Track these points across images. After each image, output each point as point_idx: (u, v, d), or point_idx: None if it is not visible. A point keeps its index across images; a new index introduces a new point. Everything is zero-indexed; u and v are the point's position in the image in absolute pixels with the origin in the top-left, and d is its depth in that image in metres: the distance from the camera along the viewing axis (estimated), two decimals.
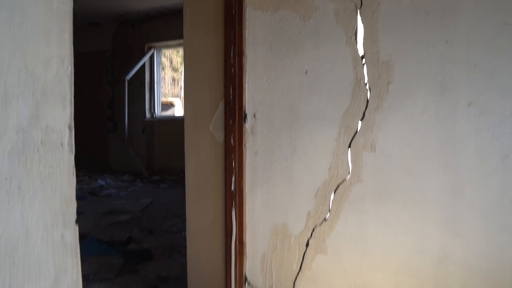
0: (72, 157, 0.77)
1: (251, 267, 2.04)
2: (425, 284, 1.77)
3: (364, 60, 1.76)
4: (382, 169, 1.76)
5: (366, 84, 1.76)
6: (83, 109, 6.99)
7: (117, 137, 7.42)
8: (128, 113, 7.21)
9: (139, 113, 7.29)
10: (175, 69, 16.39)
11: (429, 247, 1.74)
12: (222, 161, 1.96)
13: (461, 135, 1.66)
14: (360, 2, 1.75)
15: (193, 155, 2.06)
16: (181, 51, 10.68)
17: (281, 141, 1.90)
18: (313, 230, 1.89)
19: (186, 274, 2.19)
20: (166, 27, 6.86)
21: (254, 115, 1.93)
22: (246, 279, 2.04)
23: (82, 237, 3.30)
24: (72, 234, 0.79)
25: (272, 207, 1.95)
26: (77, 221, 0.79)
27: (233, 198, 1.93)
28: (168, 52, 14.84)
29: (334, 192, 1.84)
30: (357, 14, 1.76)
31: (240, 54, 1.90)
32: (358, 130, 1.78)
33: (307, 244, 1.91)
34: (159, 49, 7.55)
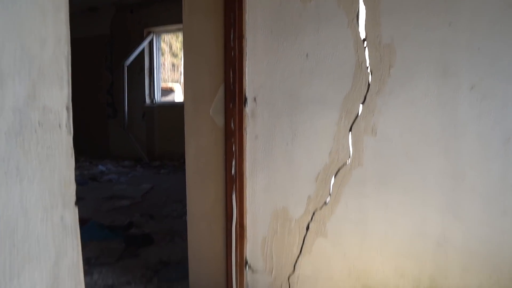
0: (71, 138, 0.77)
1: (251, 250, 2.05)
2: (425, 268, 1.78)
3: (365, 43, 1.74)
4: (382, 153, 1.76)
5: (367, 67, 1.74)
6: (83, 95, 6.96)
7: (117, 123, 7.40)
8: (128, 99, 7.18)
9: (139, 99, 7.25)
10: (174, 55, 16.26)
11: (429, 231, 1.75)
12: (222, 145, 1.95)
13: (462, 120, 1.65)
14: None
15: (193, 140, 2.05)
16: (180, 36, 10.57)
17: (281, 125, 1.89)
18: (314, 213, 1.89)
19: (187, 258, 2.20)
20: (165, 11, 6.78)
21: (255, 99, 1.91)
22: (246, 262, 2.06)
23: (83, 222, 3.32)
24: (71, 216, 0.78)
25: (272, 191, 1.95)
26: (77, 203, 0.79)
27: (233, 182, 1.92)
28: (167, 38, 14.71)
29: (335, 176, 1.83)
30: None
31: (240, 37, 1.87)
32: (359, 114, 1.77)
33: (308, 228, 1.92)
34: (159, 34, 7.48)
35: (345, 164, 1.81)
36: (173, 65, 16.20)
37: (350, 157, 1.80)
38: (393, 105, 1.72)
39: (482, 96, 1.62)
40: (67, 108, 0.75)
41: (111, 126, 7.54)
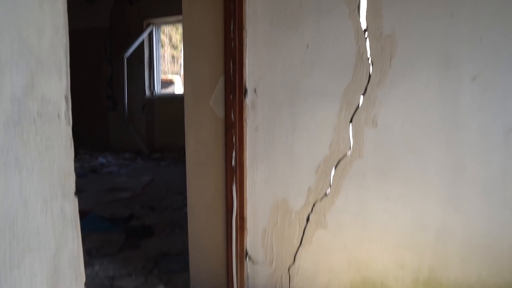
0: (70, 129, 0.76)
1: (252, 242, 2.06)
2: (425, 259, 1.78)
3: (366, 34, 1.72)
4: (383, 144, 1.76)
5: (368, 58, 1.73)
6: (83, 87, 6.94)
7: (117, 115, 7.39)
8: (128, 91, 7.15)
9: (139, 91, 7.23)
10: (174, 47, 16.19)
11: (430, 223, 1.75)
12: (222, 137, 1.95)
13: (463, 111, 1.64)
14: None
15: (193, 131, 2.05)
16: (180, 28, 10.52)
17: (282, 116, 1.88)
18: (314, 205, 1.89)
19: (187, 249, 2.21)
20: (165, 3, 6.73)
21: (255, 90, 1.90)
22: (247, 253, 2.07)
23: (84, 214, 3.32)
24: (71, 206, 0.78)
25: (273, 182, 1.95)
26: (77, 194, 0.79)
27: (233, 173, 1.92)
28: (167, 29, 14.63)
29: (335, 168, 1.83)
30: None
31: (240, 28, 1.86)
32: (359, 106, 1.76)
33: (308, 219, 1.92)
34: (158, 26, 7.43)
35: (345, 155, 1.81)
36: (173, 57, 16.13)
37: (350, 148, 1.80)
38: (394, 97, 1.71)
39: (483, 87, 1.61)
40: (66, 99, 0.74)
41: (111, 118, 7.53)
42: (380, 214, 1.81)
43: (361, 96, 1.75)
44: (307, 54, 1.81)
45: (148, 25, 7.18)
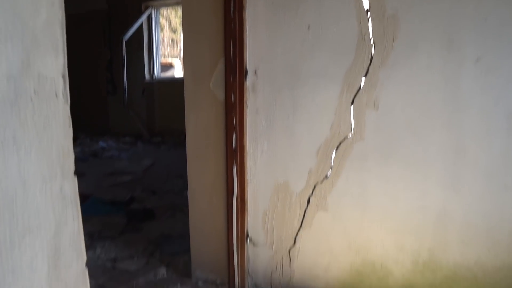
0: (68, 107, 0.75)
1: (252, 224, 2.06)
2: (424, 241, 1.79)
3: (369, 14, 1.69)
4: (384, 126, 1.74)
5: (370, 39, 1.70)
6: (82, 72, 6.89)
7: (117, 99, 7.35)
8: (127, 75, 7.10)
9: (139, 75, 7.18)
10: (174, 30, 16.02)
11: (430, 205, 1.75)
12: (223, 119, 1.94)
13: (466, 93, 1.63)
14: None
15: (194, 114, 2.03)
16: (179, 11, 10.38)
17: (282, 98, 1.87)
18: (314, 187, 1.90)
19: (189, 232, 2.22)
20: None
21: (255, 72, 1.88)
22: (247, 236, 2.08)
23: (85, 198, 3.34)
24: (71, 186, 0.78)
25: (273, 165, 1.95)
26: (76, 173, 0.78)
27: (234, 156, 1.92)
28: (166, 12, 14.46)
29: (336, 150, 1.83)
30: None
31: (240, 9, 1.83)
32: (361, 87, 1.74)
33: (308, 202, 1.92)
34: (157, 8, 7.33)
35: (346, 137, 1.80)
36: (172, 40, 15.98)
37: (351, 130, 1.79)
38: (396, 78, 1.69)
39: (487, 69, 1.59)
40: (63, 77, 0.73)
41: (111, 102, 7.50)
42: (381, 197, 1.81)
43: (363, 78, 1.74)
44: (308, 35, 1.79)
45: (146, 7, 7.08)
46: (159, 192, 3.85)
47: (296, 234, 1.99)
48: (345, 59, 1.74)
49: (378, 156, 1.77)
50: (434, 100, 1.67)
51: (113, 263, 2.47)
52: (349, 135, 1.79)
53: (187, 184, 2.16)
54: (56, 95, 0.72)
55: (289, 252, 2.03)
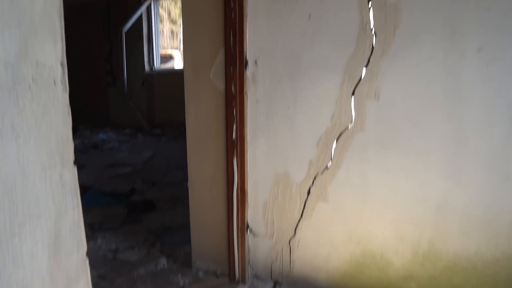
0: (67, 95, 0.74)
1: (253, 215, 2.07)
2: (425, 232, 1.79)
3: (370, 3, 1.68)
4: (385, 117, 1.74)
5: (372, 29, 1.69)
6: (81, 63, 6.86)
7: (116, 91, 7.33)
8: (127, 67, 7.07)
9: (138, 66, 7.15)
10: (173, 22, 15.91)
11: (430, 196, 1.75)
12: (223, 110, 1.93)
13: (468, 83, 1.61)
14: None
15: (194, 105, 2.03)
16: (179, 2, 10.30)
17: (283, 89, 1.86)
18: (315, 178, 1.89)
19: (189, 223, 2.23)
20: None
21: (256, 62, 1.87)
22: (248, 226, 2.08)
23: (86, 189, 3.34)
24: (71, 175, 0.77)
25: (274, 155, 1.95)
26: (76, 162, 0.78)
27: (234, 147, 1.91)
28: (165, 3, 14.35)
29: (336, 141, 1.82)
30: None
31: None
32: (362, 78, 1.73)
33: (309, 192, 1.92)
34: (156, 0, 7.27)
35: (347, 128, 1.79)
36: (172, 32, 15.88)
37: (352, 121, 1.78)
38: (397, 69, 1.68)
39: (489, 59, 1.57)
40: (62, 64, 0.72)
41: (110, 94, 7.47)
42: (381, 187, 1.81)
43: (364, 68, 1.72)
44: (309, 25, 1.77)
45: None
46: (159, 184, 3.85)
47: (297, 225, 1.99)
48: (346, 49, 1.73)
49: (378, 146, 1.77)
50: (435, 91, 1.66)
51: (114, 253, 2.48)
52: (350, 126, 1.79)
53: (187, 176, 2.16)
54: (55, 83, 0.71)
55: (289, 242, 2.03)
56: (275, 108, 1.89)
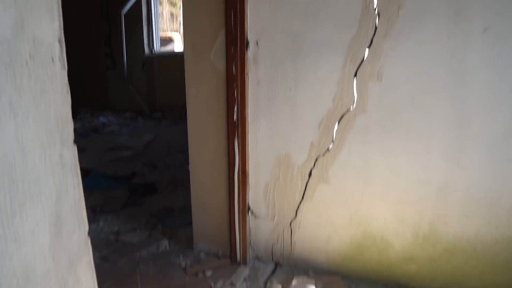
0: (65, 73, 0.73)
1: (254, 197, 2.07)
2: (425, 214, 1.80)
3: None
4: (387, 99, 1.72)
5: (375, 8, 1.65)
6: (81, 46, 6.78)
7: (116, 74, 7.27)
8: (127, 50, 6.99)
9: (138, 49, 7.07)
10: (173, 4, 15.70)
11: (431, 178, 1.75)
12: (224, 92, 1.91)
13: (472, 65, 1.59)
14: None
15: (194, 87, 2.01)
16: None
17: (284, 70, 1.83)
18: (316, 160, 1.89)
19: (190, 206, 2.23)
20: None
21: (257, 42, 1.84)
22: (249, 208, 2.09)
23: (87, 172, 3.35)
24: (71, 154, 0.77)
25: (275, 137, 1.94)
26: (76, 142, 0.77)
27: (235, 129, 1.90)
28: None
29: (338, 123, 1.81)
30: None
31: None
32: (364, 59, 1.71)
33: (310, 174, 1.92)
34: None
35: (349, 110, 1.78)
36: (171, 14, 15.69)
37: (354, 103, 1.76)
38: (401, 50, 1.66)
39: (495, 40, 1.55)
40: (60, 41, 0.70)
41: (110, 77, 7.41)
42: (383, 170, 1.81)
43: (367, 49, 1.70)
44: (311, 4, 1.74)
45: None
46: (160, 167, 3.86)
47: (298, 207, 2.00)
48: (349, 29, 1.70)
49: (380, 128, 1.76)
50: (438, 73, 1.64)
51: (116, 235, 2.49)
52: (352, 108, 1.77)
53: (188, 159, 2.16)
54: (53, 60, 0.70)
55: (290, 224, 2.04)
56: (276, 89, 1.87)
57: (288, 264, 2.11)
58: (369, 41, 1.69)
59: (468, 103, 1.63)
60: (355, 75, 1.74)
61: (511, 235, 1.70)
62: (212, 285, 1.95)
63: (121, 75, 7.09)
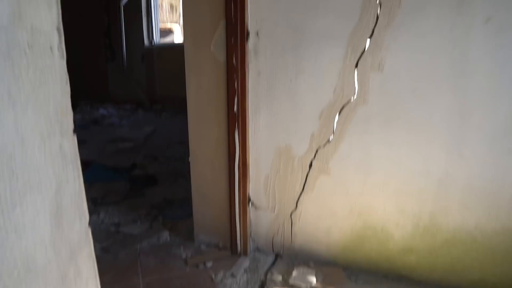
0: (64, 63, 0.72)
1: (254, 188, 2.07)
2: (426, 205, 1.80)
3: None
4: (388, 90, 1.71)
5: None
6: (80, 38, 6.74)
7: (116, 66, 7.23)
8: (126, 41, 6.95)
9: (138, 41, 7.03)
10: None
11: (432, 169, 1.75)
12: (224, 83, 1.90)
13: (474, 55, 1.58)
14: None
15: (194, 78, 1.99)
16: None
17: (285, 61, 1.82)
18: (317, 151, 1.88)
19: (191, 197, 2.23)
20: None
21: (257, 33, 1.83)
22: (249, 199, 2.09)
23: (87, 164, 3.34)
24: (70, 144, 0.76)
25: (275, 128, 1.93)
26: (75, 131, 0.76)
27: (236, 120, 1.90)
28: None
29: (339, 114, 1.80)
30: None
31: None
32: (366, 49, 1.69)
33: (310, 166, 1.92)
34: None
35: (349, 101, 1.77)
36: (171, 6, 15.57)
37: (355, 94, 1.76)
38: (402, 40, 1.64)
39: (497, 30, 1.53)
40: (58, 30, 0.70)
41: (110, 69, 7.38)
42: (383, 161, 1.80)
43: (368, 40, 1.69)
44: None
45: None
46: (161, 158, 3.85)
47: (298, 198, 2.00)
48: (350, 19, 1.69)
49: (381, 120, 1.75)
50: (440, 63, 1.63)
51: (117, 227, 2.50)
52: (353, 99, 1.76)
53: (188, 151, 2.16)
54: (51, 49, 0.69)
55: (290, 215, 2.05)
56: (277, 80, 1.86)
57: (288, 255, 2.12)
58: (371, 32, 1.67)
59: (470, 95, 1.62)
60: (356, 66, 1.72)
61: (511, 226, 1.70)
62: (213, 276, 1.96)
63: (121, 67, 7.06)
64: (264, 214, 2.10)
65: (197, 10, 1.90)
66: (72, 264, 0.84)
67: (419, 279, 1.88)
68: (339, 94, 1.78)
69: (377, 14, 1.65)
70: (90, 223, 0.87)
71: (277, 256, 2.14)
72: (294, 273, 1.94)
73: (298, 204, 2.01)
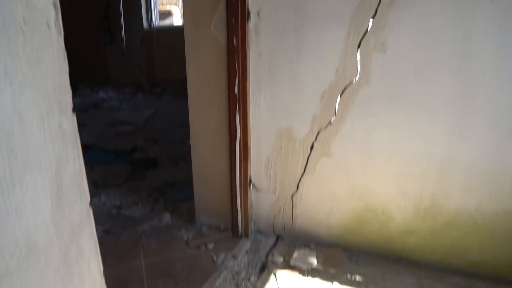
0: (62, 39, 0.71)
1: (255, 170, 2.07)
2: (427, 187, 1.80)
3: None
4: (391, 71, 1.69)
5: None
6: (78, 21, 6.65)
7: (115, 49, 7.16)
8: (125, 24, 6.87)
9: (137, 24, 6.94)
10: None
11: (434, 151, 1.74)
12: (224, 64, 1.87)
13: (478, 36, 1.55)
14: None
15: (194, 59, 1.97)
16: None
17: (286, 41, 1.79)
18: (318, 133, 1.87)
19: (192, 180, 2.23)
20: None
21: (258, 13, 1.79)
22: (250, 181, 2.09)
23: (88, 148, 3.34)
24: (70, 123, 0.75)
25: (276, 110, 1.91)
26: (75, 110, 0.75)
27: (236, 101, 1.88)
28: None
29: (341, 95, 1.78)
30: None
31: None
32: (368, 29, 1.66)
33: (312, 148, 1.91)
34: None
35: (351, 82, 1.75)
36: None
37: (357, 75, 1.73)
38: (406, 20, 1.61)
39: (504, 8, 1.50)
40: (55, 6, 0.68)
41: (109, 52, 7.31)
42: (385, 143, 1.79)
43: (371, 20, 1.65)
44: None
45: None
46: (161, 141, 3.85)
47: (299, 180, 2.00)
48: None
49: (384, 101, 1.74)
50: (444, 44, 1.60)
51: (118, 209, 2.51)
52: (355, 80, 1.74)
53: (188, 134, 2.15)
54: (48, 25, 0.67)
55: (292, 197, 2.05)
56: (278, 61, 1.83)
57: (289, 237, 2.13)
58: (374, 11, 1.64)
59: (473, 76, 1.60)
60: (359, 46, 1.70)
61: None
62: (214, 257, 1.98)
63: (120, 50, 6.99)
64: (265, 196, 2.10)
65: None
66: (74, 244, 0.84)
67: (419, 260, 1.89)
68: (341, 75, 1.75)
69: None
70: (91, 204, 0.86)
71: (278, 238, 2.15)
72: (295, 254, 1.95)
73: (299, 186, 2.01)
